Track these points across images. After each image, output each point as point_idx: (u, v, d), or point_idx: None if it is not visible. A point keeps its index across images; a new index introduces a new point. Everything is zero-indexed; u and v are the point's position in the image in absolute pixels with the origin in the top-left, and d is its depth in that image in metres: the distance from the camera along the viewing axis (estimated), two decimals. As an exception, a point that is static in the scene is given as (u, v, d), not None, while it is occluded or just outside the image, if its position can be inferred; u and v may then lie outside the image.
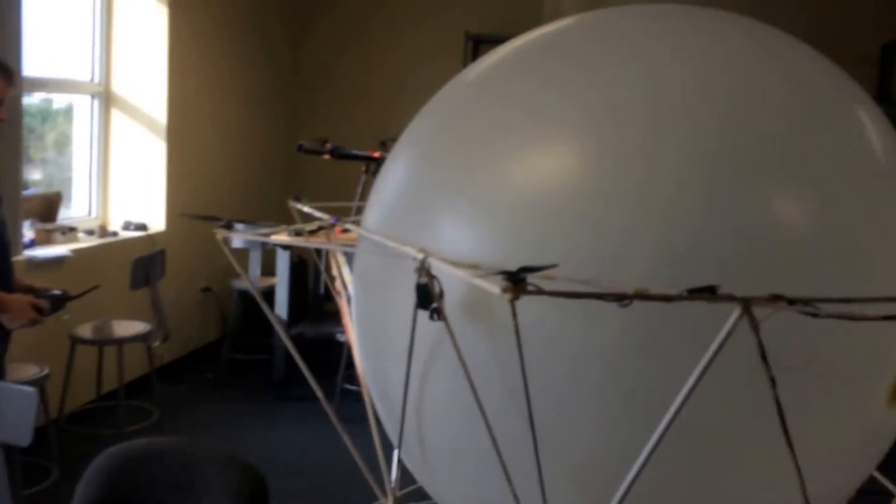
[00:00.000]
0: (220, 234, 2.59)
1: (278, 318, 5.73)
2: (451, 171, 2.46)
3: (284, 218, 3.39)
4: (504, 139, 2.38)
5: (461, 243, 2.32)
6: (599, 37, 2.58)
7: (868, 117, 2.47)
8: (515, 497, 2.19)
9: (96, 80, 5.86)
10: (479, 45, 7.20)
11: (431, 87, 2.84)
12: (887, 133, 2.50)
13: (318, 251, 4.52)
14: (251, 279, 6.02)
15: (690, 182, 2.17)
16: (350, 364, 2.98)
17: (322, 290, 6.39)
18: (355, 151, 5.26)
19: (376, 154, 5.15)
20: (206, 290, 6.50)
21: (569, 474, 2.27)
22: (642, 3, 2.68)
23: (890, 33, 6.69)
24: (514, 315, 1.82)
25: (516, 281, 1.74)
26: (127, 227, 5.77)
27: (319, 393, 2.92)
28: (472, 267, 2.05)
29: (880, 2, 6.76)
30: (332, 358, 5.91)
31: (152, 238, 5.64)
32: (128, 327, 4.76)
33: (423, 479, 2.80)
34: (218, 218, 2.63)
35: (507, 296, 1.73)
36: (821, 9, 6.67)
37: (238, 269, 2.75)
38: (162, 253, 5.06)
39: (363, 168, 5.28)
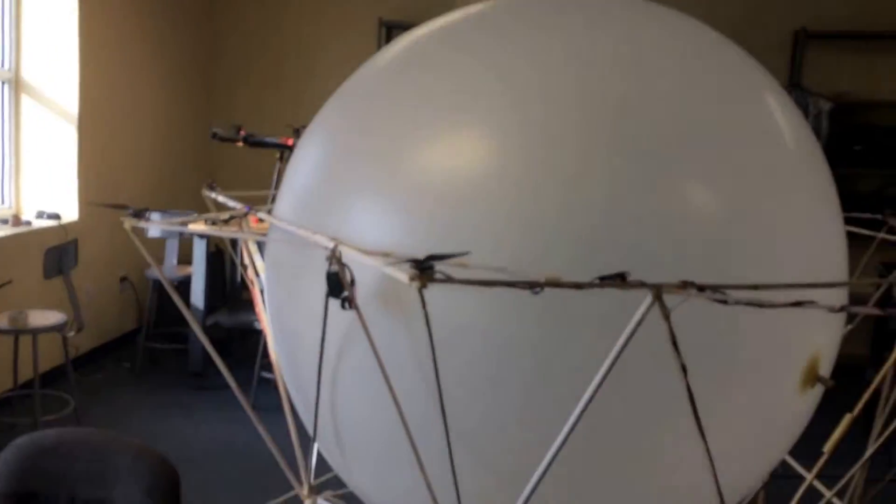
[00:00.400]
0: (128, 222, 2.53)
1: (194, 308, 5.66)
2: (361, 157, 2.43)
3: (200, 206, 3.34)
4: (414, 125, 2.36)
5: (375, 231, 2.30)
6: (502, 24, 2.57)
7: (777, 105, 2.49)
8: (428, 485, 2.18)
9: (6, 66, 5.71)
10: (392, 31, 7.20)
11: (346, 74, 2.82)
12: (796, 120, 2.53)
13: (234, 241, 4.47)
14: (167, 268, 5.94)
15: (598, 169, 2.18)
16: (268, 353, 2.95)
17: (239, 280, 6.33)
18: (269, 139, 5.21)
19: (290, 141, 5.11)
20: (124, 279, 6.39)
21: (482, 462, 2.27)
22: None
23: (801, 21, 6.80)
24: (423, 303, 1.81)
25: (424, 269, 1.72)
26: (41, 216, 5.64)
27: (233, 383, 2.88)
28: (384, 255, 2.03)
29: (793, -9, 6.88)
30: (250, 347, 5.87)
31: (65, 228, 5.52)
32: (43, 317, 4.67)
33: (338, 468, 2.78)
34: (126, 206, 2.56)
35: (416, 284, 1.72)
36: (734, -2, 6.76)
37: (148, 258, 2.69)
38: (75, 242, 4.96)
39: (277, 156, 5.23)
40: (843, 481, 2.56)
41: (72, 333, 4.83)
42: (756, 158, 2.33)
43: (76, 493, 2.06)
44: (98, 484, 2.06)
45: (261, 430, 2.89)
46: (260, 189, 5.79)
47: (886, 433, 2.50)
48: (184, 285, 5.80)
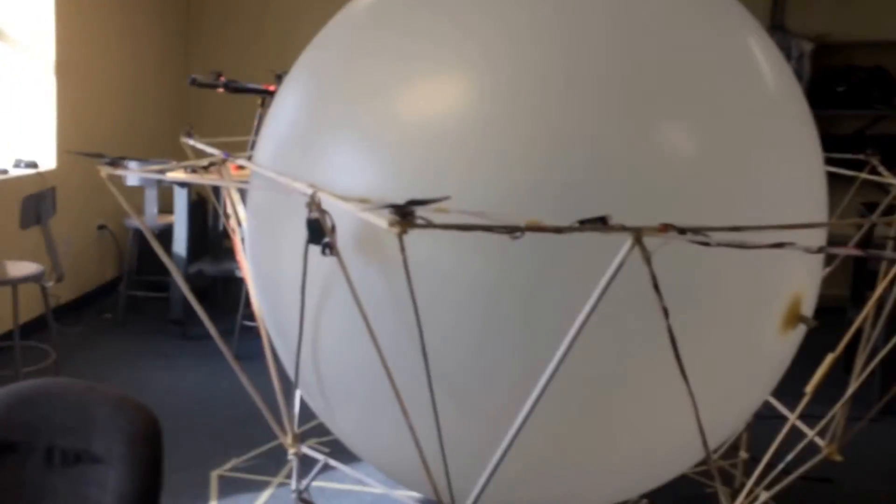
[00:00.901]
0: (104, 171, 2.50)
1: (176, 256, 5.63)
2: (341, 103, 2.40)
3: (180, 154, 3.31)
4: (394, 70, 2.33)
5: (354, 177, 2.28)
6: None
7: (758, 46, 2.47)
8: (411, 429, 2.18)
9: (-20, 15, 5.61)
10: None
11: (328, 19, 2.77)
12: (776, 62, 2.51)
13: (216, 189, 4.43)
14: (148, 217, 5.89)
15: (580, 114, 2.16)
16: (250, 301, 2.93)
17: (222, 228, 6.29)
18: (250, 84, 5.15)
19: (272, 87, 5.04)
20: (102, 227, 6.35)
21: (464, 406, 2.27)
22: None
23: (784, -37, 6.74)
24: (403, 249, 1.80)
25: (404, 214, 1.70)
26: (18, 164, 5.57)
27: (214, 332, 2.87)
28: (363, 201, 2.02)
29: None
30: (232, 295, 5.85)
31: (43, 176, 5.46)
32: (21, 268, 4.62)
33: (322, 414, 2.78)
34: (103, 155, 2.52)
35: (395, 229, 1.70)
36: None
37: (125, 206, 2.66)
38: (52, 191, 4.89)
39: (259, 102, 5.17)
40: (824, 421, 2.58)
41: (50, 283, 4.79)
42: (737, 101, 2.32)
43: (55, 443, 2.05)
44: (77, 434, 2.05)
45: (243, 378, 2.88)
46: (242, 136, 5.74)
47: (866, 371, 2.52)
48: (165, 234, 5.76)
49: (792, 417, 2.44)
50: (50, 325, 4.79)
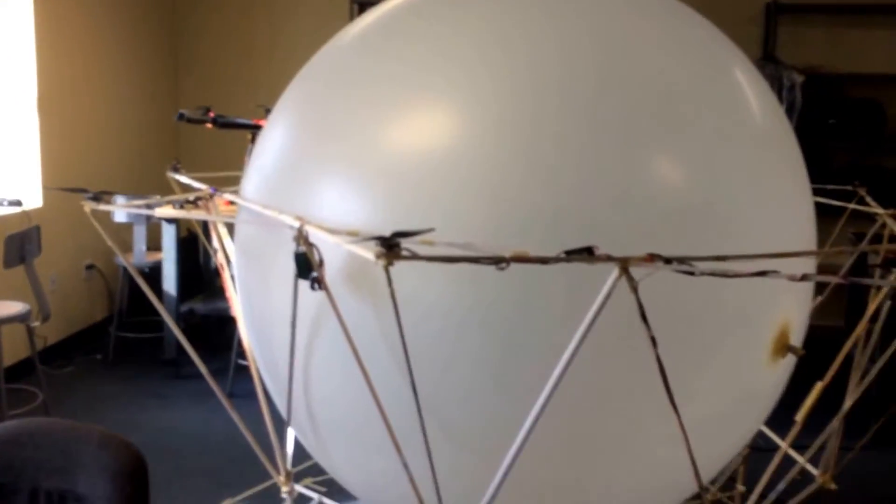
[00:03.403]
0: (88, 206, 2.49)
1: (167, 295, 5.60)
2: (328, 136, 2.40)
3: (168, 191, 3.29)
4: (381, 103, 2.33)
5: (342, 211, 2.28)
6: (470, 1, 2.54)
7: (745, 79, 2.49)
8: (405, 465, 2.16)
9: (-39, 50, 5.61)
10: (364, 9, 7.10)
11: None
12: (764, 95, 2.52)
13: (205, 225, 4.42)
14: (137, 255, 5.86)
15: (568, 145, 2.16)
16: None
17: (214, 265, 6.26)
18: (240, 120, 5.15)
19: (261, 122, 5.04)
20: (91, 267, 6.32)
21: (457, 441, 2.26)
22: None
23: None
24: (390, 281, 1.79)
25: (390, 246, 1.69)
26: (1, 203, 5.55)
27: (205, 371, 2.85)
28: (351, 234, 2.01)
29: (763, -38, 6.85)
30: (227, 334, 5.81)
31: (28, 214, 5.43)
32: (5, 307, 4.59)
33: (315, 453, 2.76)
34: (86, 190, 2.51)
35: (382, 261, 1.69)
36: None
37: (110, 243, 2.65)
38: (37, 229, 4.87)
39: (249, 137, 5.17)
40: (814, 447, 2.57)
41: (36, 323, 4.76)
42: (723, 134, 2.32)
43: (39, 484, 2.02)
44: (62, 474, 2.02)
45: (235, 417, 2.86)
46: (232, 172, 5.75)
47: (857, 393, 2.51)
48: (156, 272, 5.74)
49: (784, 445, 2.42)
50: (37, 367, 4.75)
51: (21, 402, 4.93)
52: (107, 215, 5.54)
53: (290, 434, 3.12)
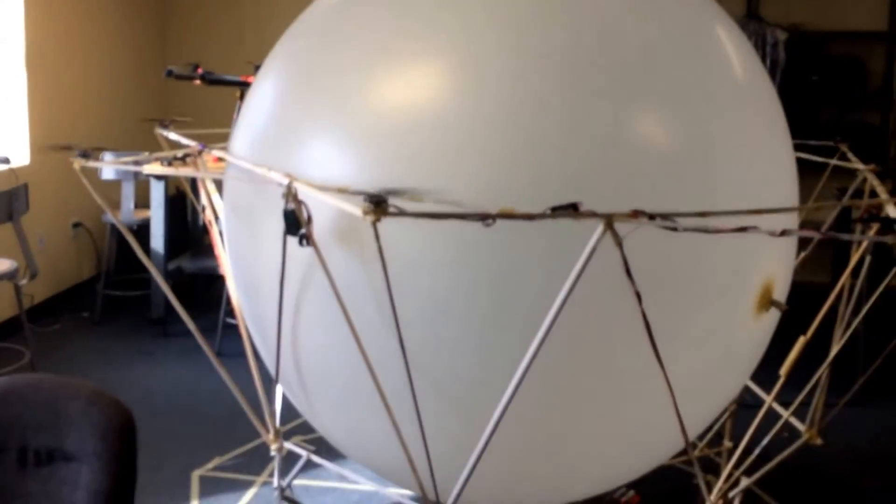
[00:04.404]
0: (77, 163, 2.48)
1: (154, 253, 5.59)
2: (317, 92, 2.40)
3: (156, 149, 3.27)
4: (370, 60, 2.33)
5: (330, 167, 2.28)
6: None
7: (727, 36, 2.49)
8: (393, 421, 2.18)
9: (-51, 6, 5.55)
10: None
11: (306, 8, 2.75)
12: (745, 52, 2.53)
13: (193, 182, 4.40)
14: (125, 213, 5.84)
15: (552, 102, 2.16)
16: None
17: (202, 223, 6.25)
18: (228, 76, 5.11)
19: (251, 79, 5.01)
20: (78, 225, 6.29)
21: (444, 398, 2.27)
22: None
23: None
24: (377, 237, 1.80)
25: (378, 203, 1.70)
26: (-11, 160, 5.52)
27: (193, 328, 2.85)
28: (340, 190, 2.01)
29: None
30: (215, 292, 5.81)
31: (15, 172, 5.40)
32: (-7, 264, 4.57)
33: (304, 410, 2.77)
34: (74, 147, 2.50)
35: (370, 218, 1.70)
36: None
37: (99, 200, 2.64)
38: (25, 187, 4.84)
39: (238, 94, 5.14)
40: (797, 401, 2.59)
41: (24, 281, 4.74)
42: (704, 90, 2.33)
43: (28, 442, 2.02)
44: (50, 431, 2.02)
45: (223, 375, 2.86)
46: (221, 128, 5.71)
47: (839, 345, 2.54)
48: (144, 230, 5.71)
49: (768, 399, 2.45)
50: (24, 325, 4.75)
51: (8, 361, 4.92)
52: (94, 173, 5.51)
53: (279, 392, 3.13)
